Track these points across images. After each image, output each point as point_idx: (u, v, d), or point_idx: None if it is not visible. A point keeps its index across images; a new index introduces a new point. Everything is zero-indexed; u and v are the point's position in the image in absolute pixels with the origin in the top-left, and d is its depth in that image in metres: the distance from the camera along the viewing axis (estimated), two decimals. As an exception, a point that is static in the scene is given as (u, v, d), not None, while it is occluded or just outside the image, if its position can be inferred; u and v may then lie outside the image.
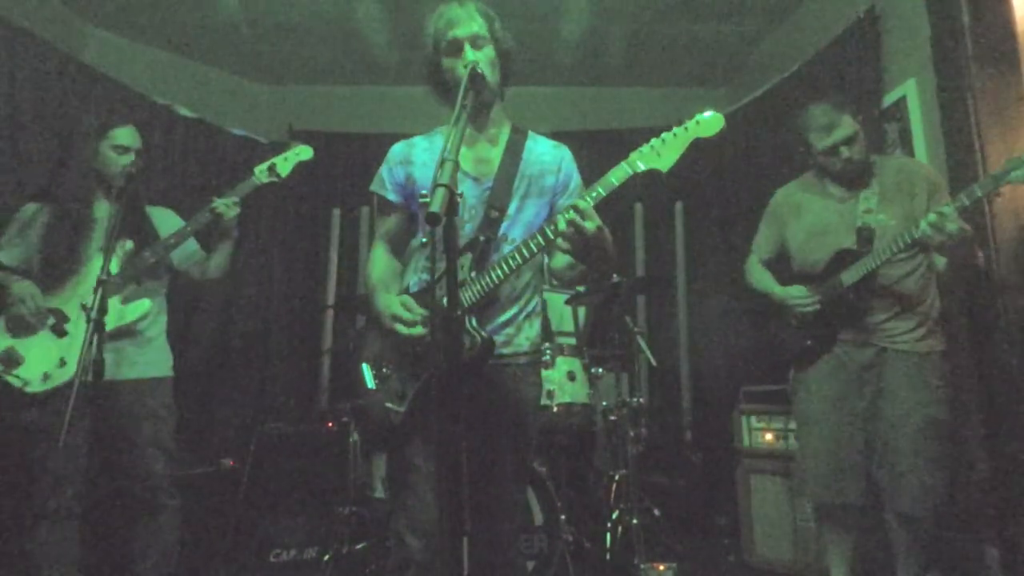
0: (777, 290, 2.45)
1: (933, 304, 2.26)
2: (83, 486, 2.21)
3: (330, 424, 3.41)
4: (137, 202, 2.49)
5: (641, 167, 1.56)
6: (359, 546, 3.07)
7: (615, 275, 3.10)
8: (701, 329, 4.29)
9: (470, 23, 1.69)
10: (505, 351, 1.71)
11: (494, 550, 1.66)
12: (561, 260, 1.80)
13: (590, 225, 1.47)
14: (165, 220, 2.58)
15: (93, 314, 1.85)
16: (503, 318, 1.72)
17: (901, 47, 3.00)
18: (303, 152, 2.47)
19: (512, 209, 1.73)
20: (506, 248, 1.69)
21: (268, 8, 3.81)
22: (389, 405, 1.68)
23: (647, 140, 1.59)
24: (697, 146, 1.59)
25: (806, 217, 2.42)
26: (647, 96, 4.79)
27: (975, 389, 2.53)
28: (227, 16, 3.86)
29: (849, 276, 2.23)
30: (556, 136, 1.93)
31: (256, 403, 4.07)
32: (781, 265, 2.56)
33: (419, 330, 1.62)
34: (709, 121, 1.58)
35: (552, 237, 1.54)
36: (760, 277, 2.56)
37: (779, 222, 2.52)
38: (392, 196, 1.81)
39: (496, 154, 1.78)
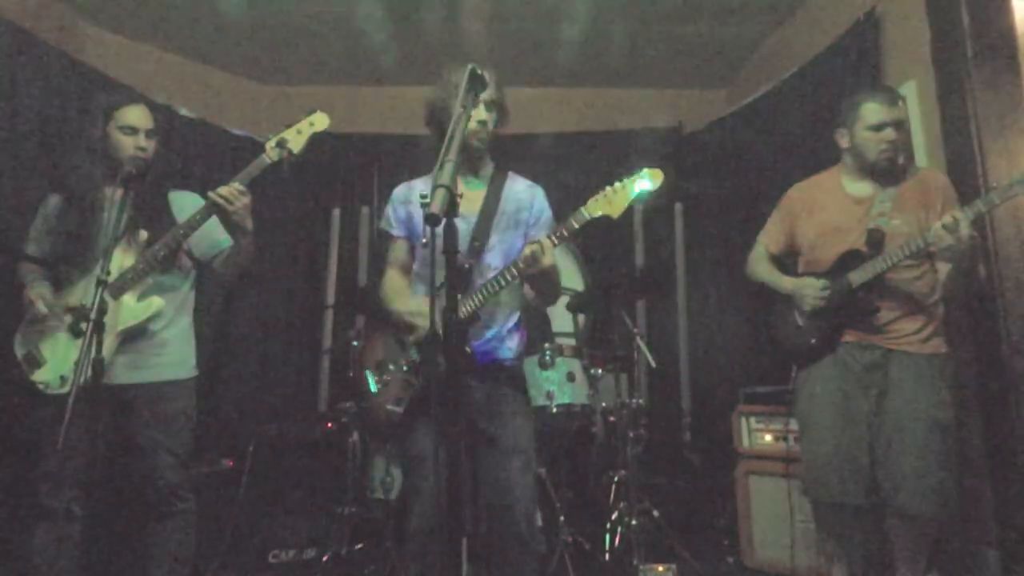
0: (787, 281, 2.43)
1: (938, 306, 2.26)
2: (86, 489, 2.11)
3: (329, 424, 3.40)
4: (156, 188, 2.30)
5: (597, 214, 1.84)
6: (358, 547, 3.08)
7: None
8: (700, 330, 4.28)
9: (491, 88, 1.90)
10: (490, 359, 1.98)
11: (504, 524, 1.88)
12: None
13: (546, 260, 1.80)
14: (188, 206, 2.30)
15: (92, 314, 1.81)
16: (489, 334, 1.98)
17: (901, 49, 3.00)
18: (317, 121, 2.18)
19: (492, 241, 2.00)
20: (488, 274, 1.94)
21: (268, 8, 3.80)
22: (390, 407, 1.97)
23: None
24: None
25: (820, 215, 2.40)
26: (648, 97, 4.77)
27: (976, 391, 2.53)
28: (227, 16, 3.85)
29: (858, 276, 2.22)
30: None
31: (255, 403, 4.06)
32: (785, 261, 2.55)
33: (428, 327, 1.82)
34: (652, 174, 1.84)
35: (520, 267, 1.83)
36: (766, 269, 2.54)
37: (792, 217, 2.50)
38: (396, 231, 2.12)
39: (480, 194, 2.04)
